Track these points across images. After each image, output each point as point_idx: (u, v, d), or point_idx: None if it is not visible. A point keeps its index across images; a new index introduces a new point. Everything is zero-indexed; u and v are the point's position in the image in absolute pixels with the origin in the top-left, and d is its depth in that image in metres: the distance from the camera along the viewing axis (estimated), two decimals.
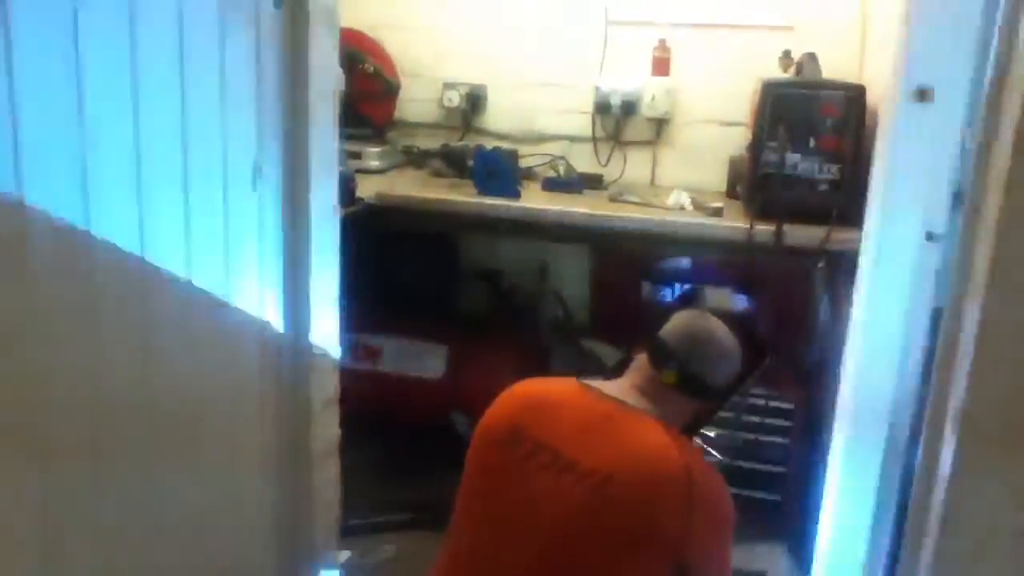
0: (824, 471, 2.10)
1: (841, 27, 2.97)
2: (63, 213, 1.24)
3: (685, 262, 3.14)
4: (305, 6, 1.78)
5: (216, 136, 1.60)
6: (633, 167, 3.28)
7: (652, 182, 3.29)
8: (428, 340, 3.07)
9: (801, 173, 2.55)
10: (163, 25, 1.43)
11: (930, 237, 1.78)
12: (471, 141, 3.28)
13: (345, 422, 2.12)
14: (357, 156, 3.04)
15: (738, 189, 2.93)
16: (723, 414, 2.30)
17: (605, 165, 3.28)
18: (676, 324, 1.68)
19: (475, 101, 3.36)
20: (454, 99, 3.36)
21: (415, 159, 3.27)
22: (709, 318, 1.69)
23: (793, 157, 2.55)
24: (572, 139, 3.32)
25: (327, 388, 2.04)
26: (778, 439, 2.76)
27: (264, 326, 1.82)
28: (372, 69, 3.18)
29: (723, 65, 3.11)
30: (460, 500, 1.63)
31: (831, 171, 2.53)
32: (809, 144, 2.54)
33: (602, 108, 3.24)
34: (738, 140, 3.01)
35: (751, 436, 2.72)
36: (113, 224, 1.34)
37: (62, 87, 1.22)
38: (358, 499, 2.34)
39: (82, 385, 1.32)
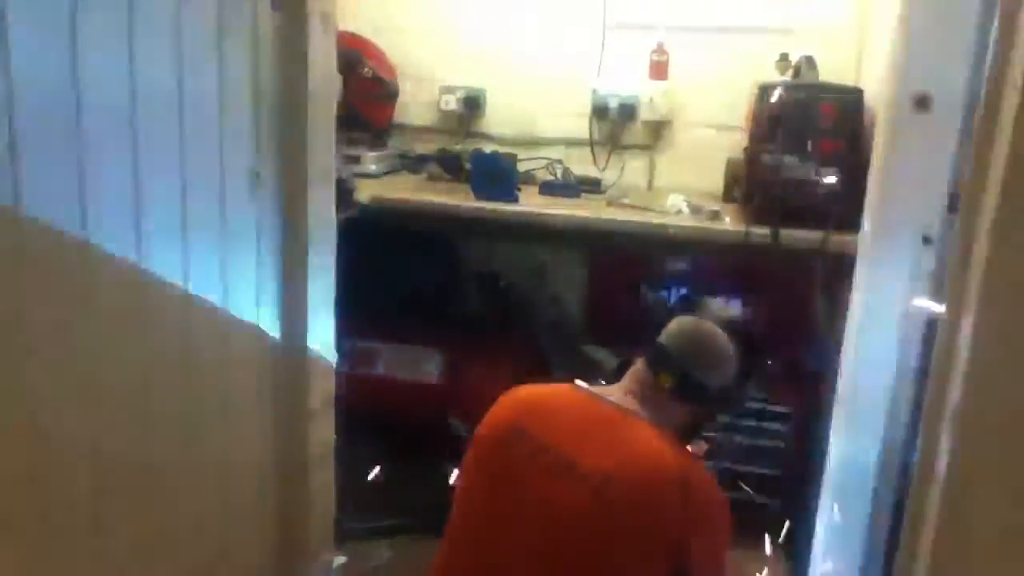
0: (820, 474, 2.10)
1: (839, 30, 2.97)
2: (60, 220, 1.24)
3: (682, 266, 3.14)
4: (303, 9, 1.78)
5: (213, 140, 1.60)
6: (631, 171, 3.28)
7: (650, 186, 3.29)
8: (425, 344, 3.06)
9: (798, 176, 2.55)
10: (161, 28, 1.43)
11: (926, 240, 1.78)
12: (469, 145, 3.29)
13: (341, 426, 2.12)
14: (355, 160, 3.04)
15: (735, 193, 2.94)
16: (721, 418, 2.30)
17: (603, 169, 3.28)
18: (674, 329, 1.68)
19: (473, 105, 3.36)
20: (452, 103, 3.37)
21: (413, 163, 3.27)
22: (706, 323, 1.69)
23: (790, 160, 2.55)
24: (570, 143, 3.32)
25: (324, 392, 2.04)
26: (774, 443, 2.76)
27: (261, 330, 1.82)
28: (370, 73, 3.18)
29: (721, 69, 3.11)
30: (458, 502, 1.63)
31: (828, 174, 2.53)
32: (806, 147, 2.54)
33: (600, 112, 3.24)
34: (735, 144, 3.01)
35: (747, 440, 2.72)
36: (109, 229, 1.34)
37: (59, 91, 1.22)
38: (353, 503, 2.34)
39: (78, 389, 1.32)
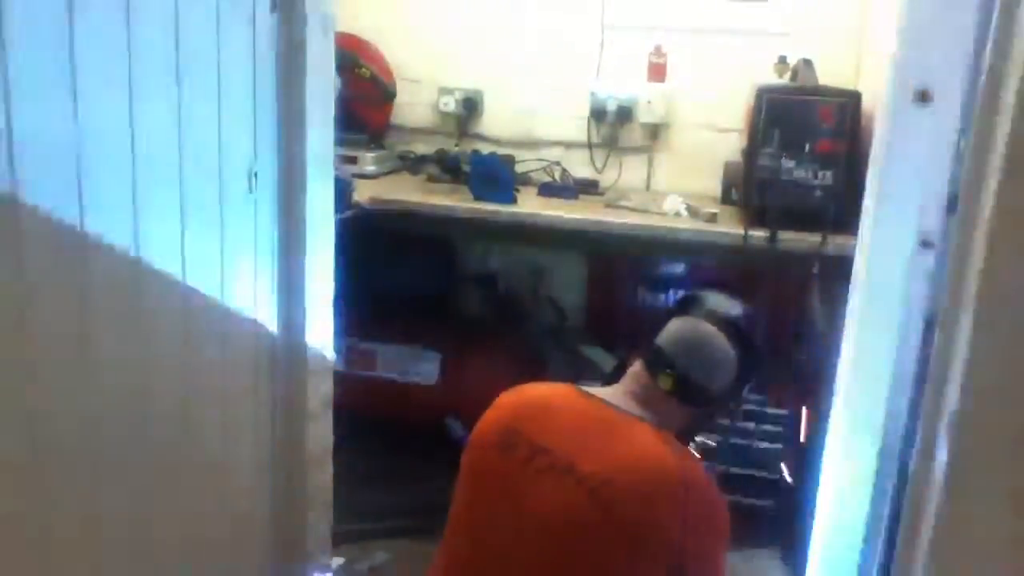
0: (818, 477, 2.10)
1: (837, 33, 2.98)
2: (58, 216, 1.24)
3: (680, 268, 3.15)
4: (301, 10, 1.78)
5: (212, 140, 1.60)
6: (629, 173, 3.29)
7: (648, 188, 3.29)
8: (423, 345, 3.06)
9: (796, 179, 2.56)
10: (159, 28, 1.42)
11: (924, 243, 1.77)
12: (467, 146, 3.29)
13: (339, 427, 2.12)
14: (353, 161, 3.04)
15: (733, 195, 2.94)
16: (719, 420, 2.30)
17: (601, 171, 3.28)
18: (672, 331, 1.68)
19: (471, 106, 3.36)
20: (450, 104, 3.37)
21: (411, 164, 3.27)
22: (705, 325, 1.69)
23: (788, 163, 2.55)
24: (568, 145, 3.33)
25: (321, 393, 2.04)
26: (772, 445, 2.76)
27: (259, 330, 1.82)
28: (368, 74, 3.18)
29: (719, 71, 3.12)
30: (456, 504, 1.63)
31: (826, 177, 2.54)
32: (804, 150, 2.55)
33: (598, 114, 3.25)
34: (734, 146, 3.02)
35: (745, 442, 2.73)
36: (108, 228, 1.34)
37: (57, 90, 1.22)
38: (351, 504, 2.34)
39: (76, 388, 1.31)
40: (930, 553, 1.23)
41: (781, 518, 2.70)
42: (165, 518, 1.57)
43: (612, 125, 3.26)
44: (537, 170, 3.25)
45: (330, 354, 2.05)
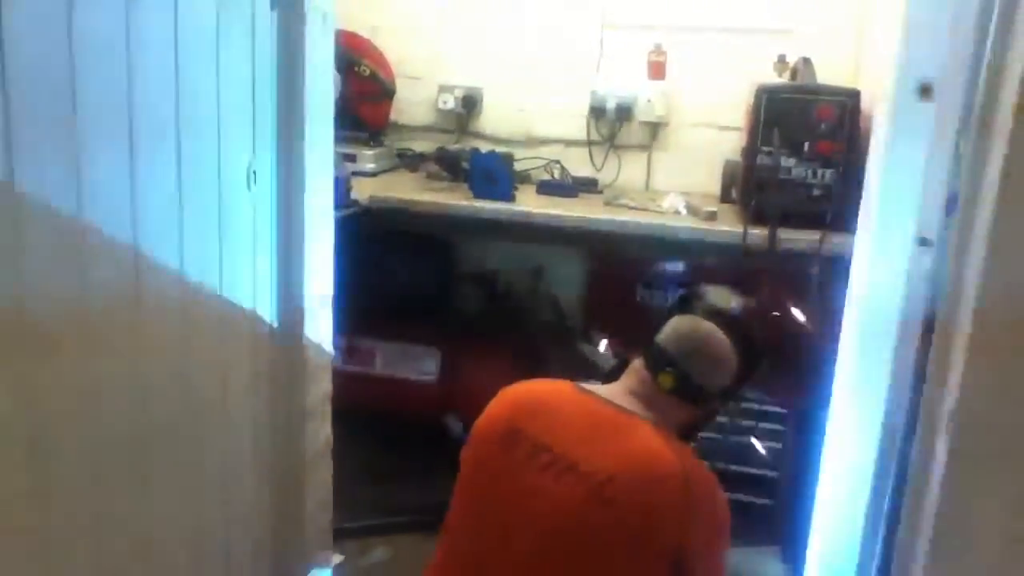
0: (817, 475, 2.10)
1: (837, 32, 2.98)
2: (56, 215, 1.24)
3: (679, 266, 3.14)
4: (301, 7, 1.78)
5: (211, 137, 1.60)
6: (628, 171, 3.29)
7: (647, 186, 3.29)
8: (422, 343, 3.06)
9: (795, 178, 2.56)
10: (158, 24, 1.42)
11: (923, 242, 1.78)
12: (466, 144, 3.29)
13: (338, 424, 2.12)
14: (352, 158, 3.04)
15: (733, 193, 2.94)
16: (718, 418, 2.30)
17: (600, 169, 3.28)
18: (672, 329, 1.68)
19: (470, 104, 3.36)
20: (449, 102, 3.37)
21: (410, 162, 3.27)
22: (705, 323, 1.69)
23: (788, 162, 2.56)
24: (567, 142, 3.33)
25: (320, 390, 2.04)
26: (771, 443, 2.76)
27: (258, 327, 1.82)
28: (368, 71, 3.18)
29: (719, 69, 3.11)
30: (455, 501, 1.63)
31: (825, 176, 2.54)
32: (804, 149, 2.55)
33: (597, 112, 3.25)
34: (733, 144, 3.02)
35: (744, 440, 2.73)
36: (107, 225, 1.34)
37: (56, 87, 1.22)
38: (351, 501, 2.34)
39: (75, 386, 1.31)
40: (929, 551, 1.23)
41: (780, 516, 2.71)
42: (165, 515, 1.57)
43: (611, 123, 3.26)
44: (536, 168, 3.25)
45: (329, 351, 2.05)
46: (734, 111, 2.99)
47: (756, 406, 2.71)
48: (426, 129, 3.47)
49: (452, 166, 3.01)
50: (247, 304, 1.77)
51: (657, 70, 3.16)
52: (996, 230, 1.17)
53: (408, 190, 2.95)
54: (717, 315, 1.71)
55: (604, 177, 3.25)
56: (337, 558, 2.26)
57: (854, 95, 2.57)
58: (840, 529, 1.96)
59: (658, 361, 1.63)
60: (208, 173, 1.60)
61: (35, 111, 1.17)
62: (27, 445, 1.23)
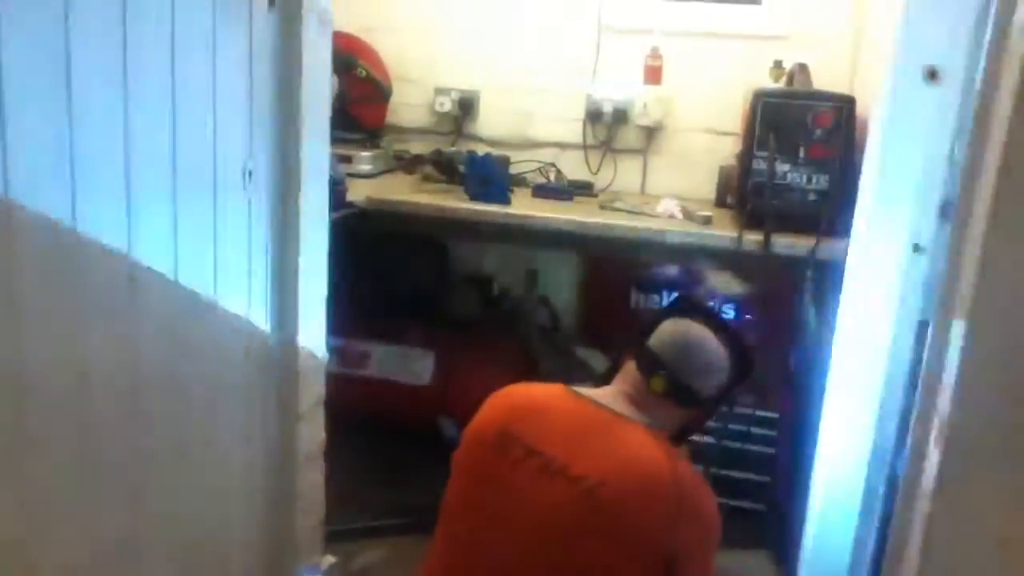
0: (809, 480, 2.10)
1: (833, 38, 2.99)
2: (50, 211, 1.23)
3: (674, 270, 3.15)
4: (298, 8, 1.78)
5: (207, 138, 1.60)
6: (624, 175, 3.29)
7: (642, 190, 3.30)
8: (416, 345, 3.06)
9: (791, 183, 2.57)
10: (155, 24, 1.42)
11: (917, 248, 1.78)
12: (463, 147, 3.29)
13: (331, 427, 2.12)
14: (348, 160, 3.04)
15: (728, 198, 2.95)
16: (710, 423, 2.30)
17: (596, 172, 3.29)
18: (665, 333, 1.68)
19: (467, 107, 3.37)
20: (446, 104, 3.37)
21: (406, 164, 3.27)
22: (698, 327, 1.69)
23: (783, 167, 2.56)
24: (563, 146, 3.33)
25: (314, 392, 2.04)
26: (763, 448, 2.76)
27: (252, 329, 1.82)
28: (364, 73, 3.18)
29: (715, 74, 3.12)
30: (447, 504, 1.63)
31: (820, 181, 2.55)
32: (799, 154, 2.56)
33: (594, 115, 3.25)
34: (729, 149, 3.02)
35: (736, 444, 2.73)
36: (101, 225, 1.34)
37: (51, 85, 1.22)
38: (343, 503, 2.33)
39: (67, 386, 1.31)
40: (920, 556, 1.23)
41: (772, 520, 2.71)
42: (156, 517, 1.57)
43: (608, 127, 3.26)
44: (532, 171, 3.25)
45: (323, 353, 2.05)
46: (730, 116, 3.00)
47: (749, 410, 2.71)
48: (422, 131, 3.47)
49: (448, 169, 3.01)
50: (241, 305, 1.77)
51: (653, 74, 3.17)
52: (990, 237, 1.17)
53: (404, 192, 2.95)
54: (710, 319, 1.72)
55: (600, 181, 3.26)
56: (329, 560, 2.25)
57: (850, 101, 2.57)
58: (832, 533, 1.96)
59: (650, 364, 1.64)
60: (204, 173, 1.60)
61: (28, 113, 1.17)
62: (13, 444, 1.23)
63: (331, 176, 2.03)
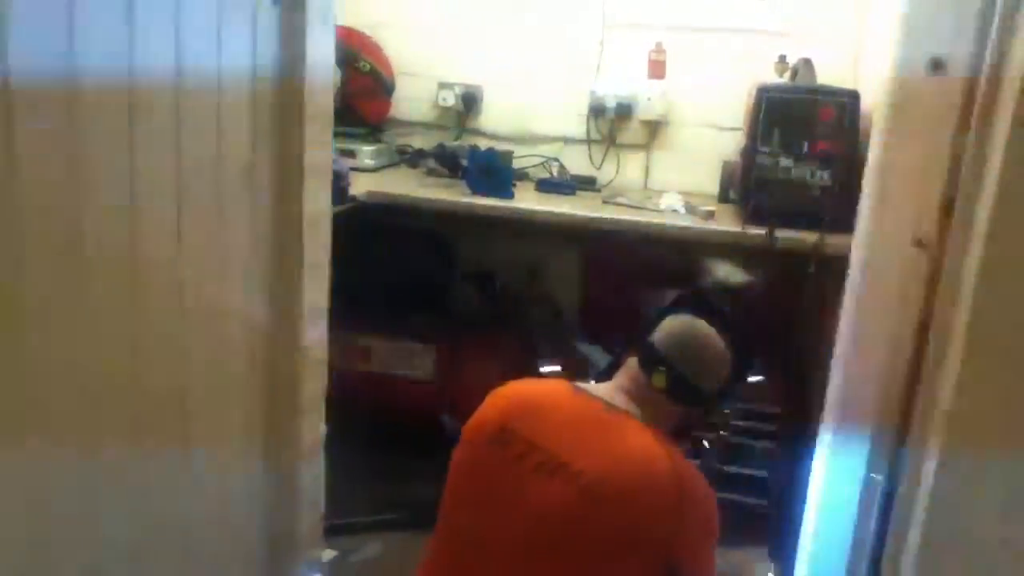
0: (808, 476, 2.10)
1: (837, 33, 2.98)
2: (54, 205, 1.24)
3: (677, 265, 3.14)
4: (302, 3, 1.77)
5: (210, 132, 1.60)
6: (627, 170, 3.29)
7: (645, 185, 3.29)
8: (418, 340, 3.06)
9: (794, 178, 2.57)
10: (160, 20, 1.42)
11: (920, 244, 1.78)
12: (466, 141, 3.28)
13: (332, 421, 2.12)
14: (351, 154, 3.04)
15: (731, 193, 2.94)
16: (711, 419, 2.30)
17: (599, 167, 3.28)
18: (667, 329, 1.68)
19: (470, 101, 3.36)
20: (449, 99, 3.37)
21: (409, 158, 3.27)
22: (700, 324, 1.69)
23: (787, 162, 2.56)
24: (566, 141, 3.33)
25: (315, 386, 2.03)
26: (764, 443, 2.76)
27: (253, 324, 1.82)
28: (367, 67, 3.18)
29: (718, 69, 3.12)
30: (447, 499, 1.63)
31: (824, 176, 2.55)
32: (803, 149, 2.56)
33: (597, 110, 3.25)
34: (732, 144, 3.02)
35: (737, 440, 2.73)
36: (104, 220, 1.34)
37: (56, 81, 1.22)
38: (344, 498, 2.34)
39: (70, 380, 1.31)
40: (919, 553, 1.23)
41: (770, 516, 2.71)
42: (156, 510, 1.57)
43: (611, 122, 3.26)
44: (535, 166, 3.25)
45: (324, 348, 2.05)
46: (733, 111, 2.99)
47: (750, 407, 2.71)
48: (425, 126, 3.47)
49: (451, 163, 3.01)
50: (244, 300, 1.77)
51: (657, 69, 3.16)
52: (993, 233, 1.17)
53: (407, 187, 2.94)
54: (712, 316, 1.71)
55: (603, 176, 3.25)
56: (329, 554, 2.26)
57: (854, 96, 2.57)
58: (831, 529, 1.96)
59: (652, 360, 1.64)
60: (206, 167, 1.60)
61: (33, 110, 1.17)
62: (14, 436, 1.23)
63: (334, 170, 2.03)
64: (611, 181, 3.24)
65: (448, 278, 3.42)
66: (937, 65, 1.63)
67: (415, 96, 3.44)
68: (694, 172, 3.15)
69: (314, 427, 2.06)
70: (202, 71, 1.55)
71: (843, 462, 1.92)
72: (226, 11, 1.58)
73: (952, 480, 1.20)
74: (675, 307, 1.75)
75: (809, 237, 2.48)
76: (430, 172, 3.12)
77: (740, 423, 2.71)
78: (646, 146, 3.28)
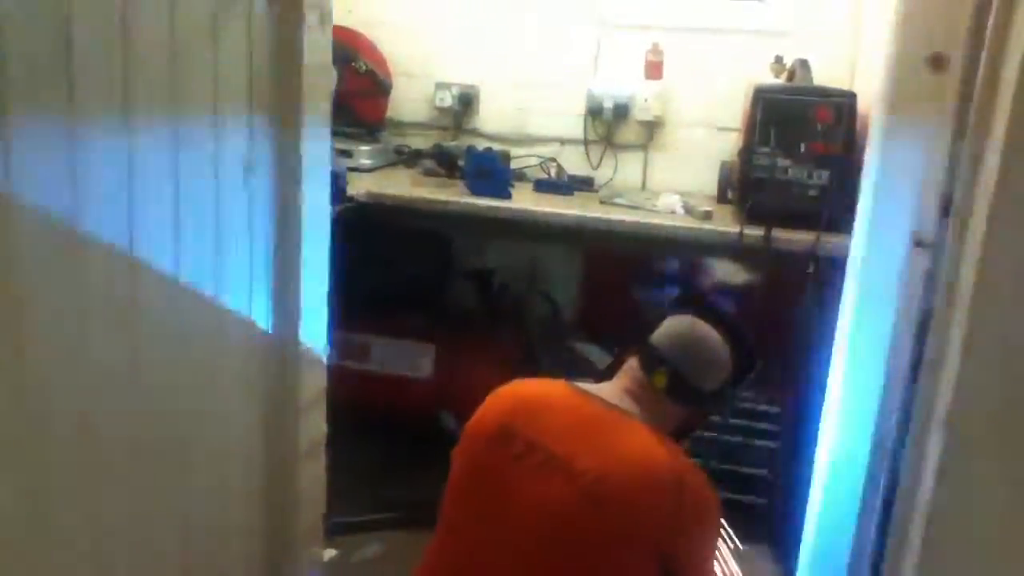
0: (810, 475, 2.11)
1: (833, 34, 2.99)
2: (52, 210, 1.23)
3: (675, 265, 3.15)
4: (299, 2, 1.77)
5: (207, 132, 1.60)
6: (624, 170, 3.29)
7: (643, 185, 3.30)
8: (417, 339, 3.06)
9: (792, 178, 2.57)
10: (155, 20, 1.42)
11: (919, 243, 1.78)
12: (463, 141, 3.29)
13: (332, 420, 2.12)
14: (348, 154, 3.04)
15: (729, 194, 2.95)
16: (712, 418, 2.31)
17: (596, 168, 3.29)
18: (667, 329, 1.68)
19: (467, 101, 3.36)
20: (446, 99, 3.37)
21: (407, 158, 3.27)
22: (700, 324, 1.69)
23: (784, 162, 2.56)
24: (564, 141, 3.33)
25: (314, 385, 2.03)
26: (764, 443, 2.77)
27: (252, 323, 1.81)
28: (364, 67, 3.18)
29: (716, 70, 3.12)
30: (447, 499, 1.63)
31: (821, 177, 2.55)
32: (800, 150, 2.56)
33: (594, 110, 3.25)
34: (729, 145, 3.02)
35: (738, 439, 2.73)
36: (102, 221, 1.34)
37: (53, 75, 1.22)
38: (344, 496, 2.34)
39: (70, 382, 1.31)
40: (920, 549, 1.24)
41: (772, 514, 2.71)
42: (159, 509, 1.57)
43: (608, 122, 3.26)
44: (533, 166, 3.25)
45: (324, 347, 2.05)
46: (731, 112, 3.00)
47: (750, 405, 2.72)
48: (423, 126, 3.47)
49: (449, 163, 3.01)
50: (243, 299, 1.77)
51: (654, 70, 3.16)
52: (991, 231, 1.17)
53: (404, 186, 2.94)
54: (713, 316, 1.71)
55: (600, 176, 3.26)
56: (330, 553, 2.26)
57: (851, 96, 2.57)
58: (833, 528, 1.97)
59: (652, 361, 1.64)
60: (205, 168, 1.60)
61: (29, 107, 1.17)
62: (22, 444, 1.23)
63: (331, 171, 2.03)
64: (609, 181, 3.24)
65: (446, 278, 3.43)
66: (935, 62, 1.64)
67: (412, 96, 3.44)
68: (692, 172, 3.16)
69: (314, 426, 2.06)
70: (198, 71, 1.55)
71: (843, 462, 1.92)
72: (221, 11, 1.58)
73: (953, 477, 1.21)
74: (675, 307, 1.75)
75: (807, 237, 2.48)
76: (427, 172, 3.11)
77: (741, 423, 2.72)
78: (644, 146, 3.28)
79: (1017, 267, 1.17)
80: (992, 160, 1.20)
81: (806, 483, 2.15)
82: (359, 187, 2.77)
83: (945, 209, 1.67)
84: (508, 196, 2.84)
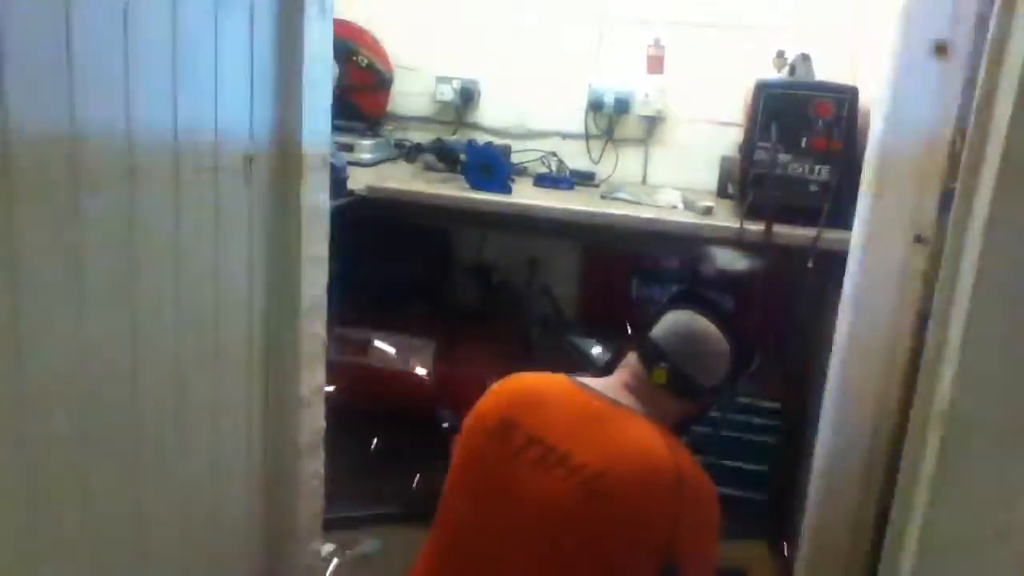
0: (808, 470, 2.11)
1: (835, 29, 2.98)
2: (52, 199, 1.24)
3: (675, 260, 3.15)
4: None
5: (208, 125, 1.60)
6: (625, 165, 3.29)
7: (644, 180, 3.29)
8: (416, 334, 3.06)
9: (792, 173, 2.57)
10: (157, 13, 1.42)
11: (919, 239, 1.78)
12: (464, 136, 3.28)
13: (331, 414, 2.12)
14: (349, 148, 3.03)
15: (729, 189, 2.94)
16: (711, 413, 2.31)
17: (597, 162, 3.28)
18: (667, 324, 1.68)
19: (468, 96, 3.36)
20: (447, 93, 3.36)
21: (407, 152, 3.26)
22: (701, 319, 1.69)
23: (785, 157, 2.56)
24: (565, 136, 3.32)
25: (314, 380, 2.04)
26: (763, 438, 2.77)
27: (252, 317, 1.82)
28: (365, 62, 3.17)
29: (717, 65, 3.11)
30: (447, 493, 1.64)
31: (822, 172, 2.55)
32: (801, 145, 2.56)
33: (595, 105, 3.24)
34: (730, 140, 3.02)
35: (737, 434, 2.73)
36: (103, 214, 1.34)
37: (53, 77, 1.21)
38: (343, 491, 2.34)
39: (69, 375, 1.31)
40: (918, 546, 1.24)
41: (770, 510, 2.72)
42: (157, 503, 1.57)
43: (609, 117, 3.26)
44: (533, 161, 3.24)
45: (323, 342, 2.05)
46: (731, 107, 2.99)
47: (750, 400, 2.72)
48: (423, 120, 3.47)
49: (449, 157, 3.01)
50: (242, 293, 1.77)
51: (655, 65, 3.16)
52: (991, 227, 1.17)
53: (405, 181, 2.94)
54: (713, 311, 1.71)
55: (601, 171, 3.26)
56: (328, 547, 2.26)
57: (852, 91, 2.57)
58: (831, 523, 1.97)
59: (652, 356, 1.64)
60: (205, 161, 1.60)
61: (29, 106, 1.17)
62: (17, 436, 1.23)
63: (332, 164, 2.03)
64: (609, 176, 3.24)
65: (446, 272, 3.42)
66: (939, 49, 1.63)
67: (413, 90, 3.43)
68: (692, 167, 3.15)
69: (314, 420, 2.06)
70: (199, 65, 1.54)
71: (843, 455, 1.92)
72: (223, 4, 1.58)
73: (951, 473, 1.21)
74: (675, 302, 1.75)
75: (807, 233, 2.48)
76: (428, 166, 3.11)
77: (740, 418, 2.72)
78: (644, 141, 3.28)
79: (1017, 264, 1.17)
80: (993, 153, 1.20)
81: (805, 478, 2.15)
82: (359, 181, 2.76)
83: (946, 205, 1.67)
84: (508, 191, 2.84)
